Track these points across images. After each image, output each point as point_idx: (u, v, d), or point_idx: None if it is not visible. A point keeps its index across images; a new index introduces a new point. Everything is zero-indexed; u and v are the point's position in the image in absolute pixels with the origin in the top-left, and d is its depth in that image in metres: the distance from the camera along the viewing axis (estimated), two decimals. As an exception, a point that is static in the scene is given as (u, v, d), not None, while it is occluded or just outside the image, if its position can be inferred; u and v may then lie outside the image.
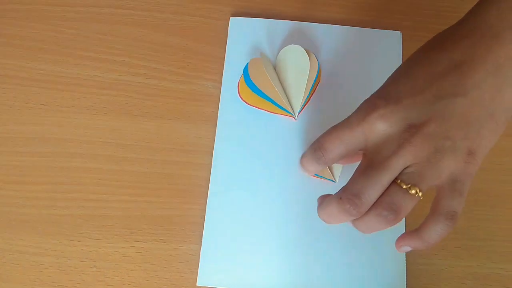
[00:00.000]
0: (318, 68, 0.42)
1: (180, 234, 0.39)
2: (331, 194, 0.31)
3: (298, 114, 0.42)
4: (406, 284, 0.38)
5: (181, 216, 0.40)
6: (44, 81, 0.44)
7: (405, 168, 0.28)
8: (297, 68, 0.42)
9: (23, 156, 0.41)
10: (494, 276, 0.38)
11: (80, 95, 0.43)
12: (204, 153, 0.42)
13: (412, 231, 0.30)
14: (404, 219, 0.39)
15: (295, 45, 0.42)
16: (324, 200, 0.31)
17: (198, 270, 0.38)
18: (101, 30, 0.46)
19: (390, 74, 0.32)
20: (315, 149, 0.33)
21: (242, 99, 0.42)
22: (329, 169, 0.40)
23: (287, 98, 0.42)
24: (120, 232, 0.39)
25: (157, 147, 0.42)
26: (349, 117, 0.31)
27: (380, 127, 0.29)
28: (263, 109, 0.42)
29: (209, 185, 0.40)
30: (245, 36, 0.45)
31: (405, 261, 0.38)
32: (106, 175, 0.41)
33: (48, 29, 0.46)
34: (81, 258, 0.39)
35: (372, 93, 0.31)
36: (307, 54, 0.41)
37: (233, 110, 0.43)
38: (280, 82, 0.42)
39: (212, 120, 0.43)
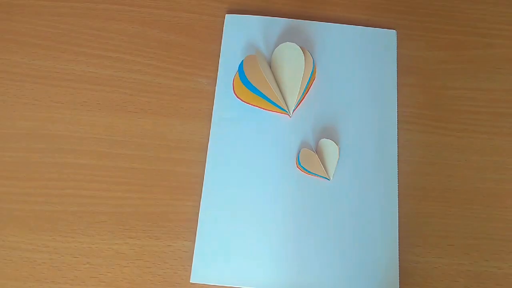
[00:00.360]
0: (313, 66, 0.42)
1: (174, 231, 0.39)
2: None
3: (293, 111, 0.42)
4: (399, 282, 0.38)
5: (175, 213, 0.40)
6: (38, 76, 0.43)
7: None
8: (292, 66, 0.42)
9: (16, 152, 0.41)
10: (487, 274, 0.39)
11: (74, 91, 0.43)
12: (198, 150, 0.41)
13: None
14: (397, 219, 0.39)
15: (290, 43, 0.42)
16: None
17: (192, 267, 0.38)
18: (96, 26, 0.45)
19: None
20: None
21: (237, 96, 0.42)
22: (324, 167, 0.40)
23: (282, 95, 0.42)
24: (114, 228, 0.39)
25: (151, 144, 0.42)
26: None
27: None
28: (258, 107, 0.42)
29: (203, 182, 0.40)
30: (240, 33, 0.45)
31: (398, 259, 0.38)
32: (99, 172, 0.41)
33: (42, 24, 0.45)
34: (74, 254, 0.38)
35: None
36: (303, 51, 0.41)
37: (227, 107, 0.43)
38: (275, 79, 0.42)
39: (206, 117, 0.42)
